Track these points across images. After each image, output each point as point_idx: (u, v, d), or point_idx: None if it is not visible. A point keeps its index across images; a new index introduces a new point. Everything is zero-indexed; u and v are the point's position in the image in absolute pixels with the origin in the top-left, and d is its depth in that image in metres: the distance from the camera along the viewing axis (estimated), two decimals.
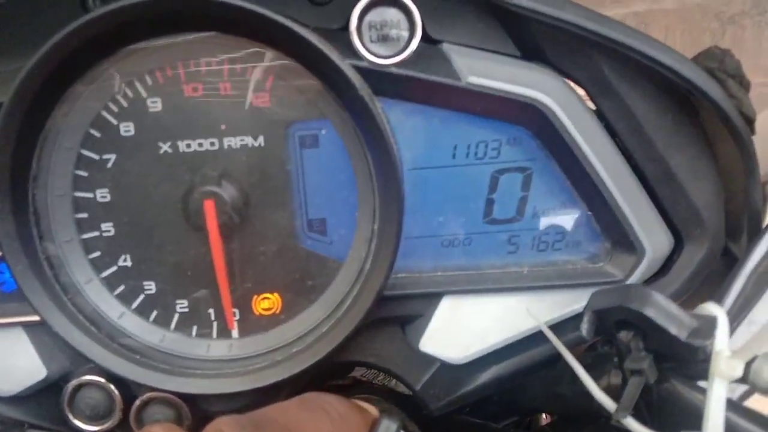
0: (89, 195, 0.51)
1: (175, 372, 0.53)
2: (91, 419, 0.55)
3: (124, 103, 0.48)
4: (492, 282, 0.55)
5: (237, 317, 0.55)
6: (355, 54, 0.46)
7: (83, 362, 0.54)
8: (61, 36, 0.41)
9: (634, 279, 0.54)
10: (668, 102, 0.48)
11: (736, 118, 0.46)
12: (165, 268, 0.53)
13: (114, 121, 0.48)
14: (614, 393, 0.41)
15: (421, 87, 0.48)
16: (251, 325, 0.55)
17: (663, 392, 0.40)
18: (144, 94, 0.48)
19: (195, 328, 0.55)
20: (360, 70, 0.45)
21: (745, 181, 0.49)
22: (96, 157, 0.49)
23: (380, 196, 0.49)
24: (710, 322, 0.38)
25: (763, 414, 0.35)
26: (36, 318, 0.51)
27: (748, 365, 0.35)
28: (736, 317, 0.41)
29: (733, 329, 0.39)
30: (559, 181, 0.53)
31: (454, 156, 0.52)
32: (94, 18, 0.41)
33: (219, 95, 0.48)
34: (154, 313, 0.54)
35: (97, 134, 0.49)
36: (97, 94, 0.47)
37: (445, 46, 0.48)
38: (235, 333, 0.55)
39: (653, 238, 0.52)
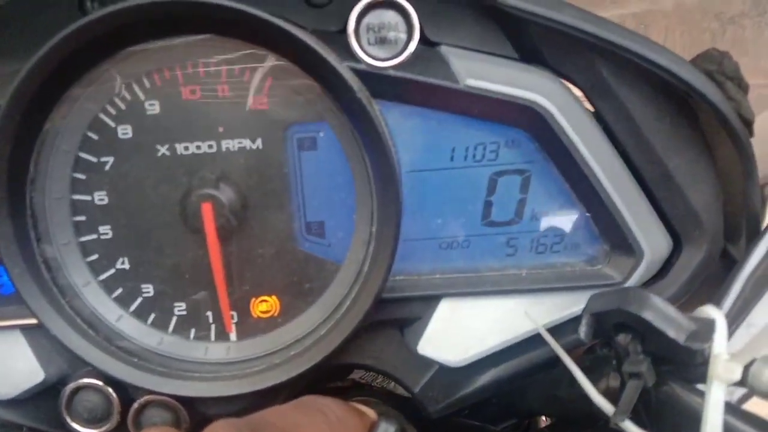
0: (87, 198, 0.50)
1: (173, 375, 0.53)
2: (89, 422, 0.55)
3: (122, 106, 0.48)
4: (490, 284, 0.55)
5: (235, 320, 0.55)
6: (353, 56, 0.46)
7: (81, 365, 0.54)
8: (58, 38, 0.41)
9: (632, 281, 0.53)
10: (667, 104, 0.48)
11: (735, 120, 0.46)
12: (163, 270, 0.53)
13: (112, 124, 0.48)
14: (612, 396, 0.40)
15: (419, 89, 0.48)
16: (249, 327, 0.55)
17: (661, 395, 0.40)
18: (142, 96, 0.48)
19: (193, 330, 0.55)
20: (358, 73, 0.45)
21: (743, 183, 0.49)
22: (94, 159, 0.49)
23: (378, 199, 0.49)
24: (708, 325, 0.38)
25: (762, 417, 0.35)
26: (34, 321, 0.51)
27: (747, 368, 0.35)
28: (734, 320, 0.41)
29: (731, 332, 0.39)
30: (557, 183, 0.52)
31: (452, 158, 0.52)
32: (92, 20, 0.41)
33: (217, 98, 0.48)
34: (152, 315, 0.54)
35: (94, 137, 0.49)
36: (95, 97, 0.47)
37: (443, 49, 0.48)
38: (233, 336, 0.55)
39: (652, 240, 0.52)
